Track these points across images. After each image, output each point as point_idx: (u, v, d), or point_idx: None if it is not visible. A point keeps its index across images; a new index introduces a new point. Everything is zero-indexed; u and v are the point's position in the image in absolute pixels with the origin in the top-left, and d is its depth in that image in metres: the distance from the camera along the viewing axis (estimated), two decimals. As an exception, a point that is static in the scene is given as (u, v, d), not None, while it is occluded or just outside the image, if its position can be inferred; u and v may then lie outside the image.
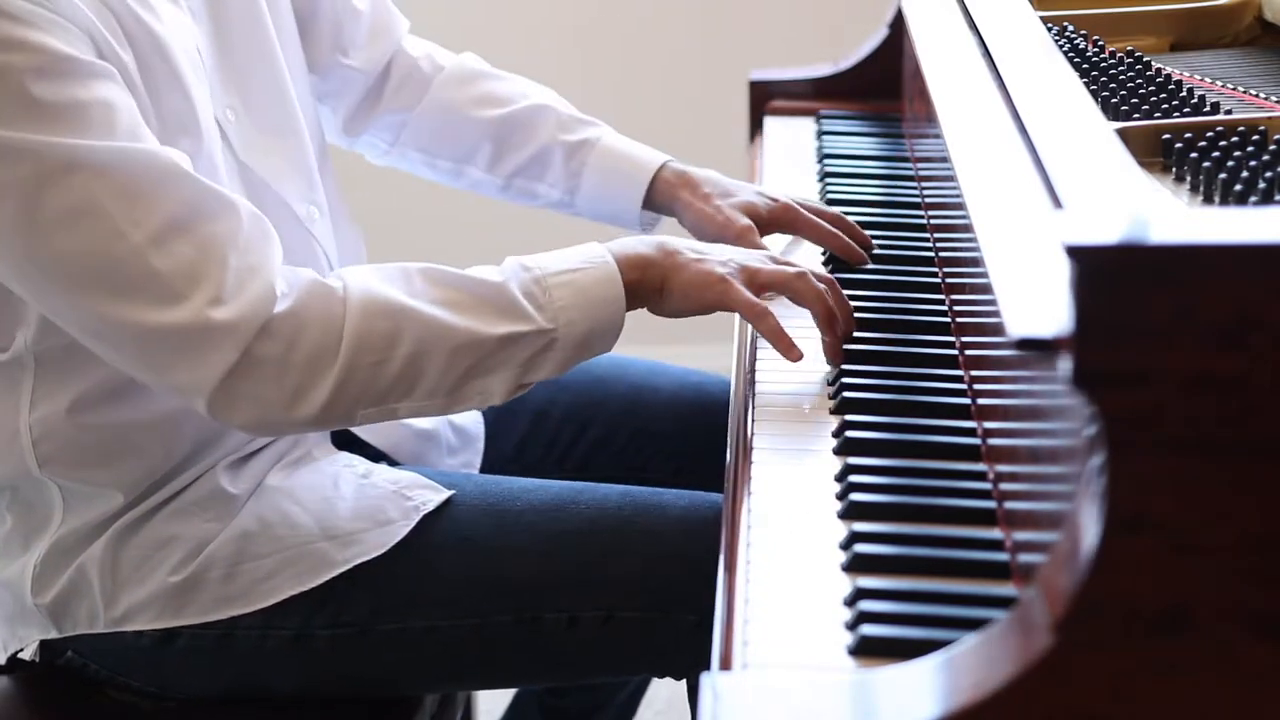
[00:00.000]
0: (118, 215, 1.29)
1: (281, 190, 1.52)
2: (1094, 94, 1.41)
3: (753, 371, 1.46)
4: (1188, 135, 1.28)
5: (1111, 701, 0.89)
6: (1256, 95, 1.46)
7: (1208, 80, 1.54)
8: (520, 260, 1.42)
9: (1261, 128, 1.30)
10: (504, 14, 3.29)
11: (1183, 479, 0.88)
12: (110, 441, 1.45)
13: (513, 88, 1.78)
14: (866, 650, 1.02)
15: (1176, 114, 1.39)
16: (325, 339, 1.35)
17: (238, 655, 1.48)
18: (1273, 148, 1.26)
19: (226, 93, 1.49)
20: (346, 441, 1.63)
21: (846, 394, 1.38)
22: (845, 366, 1.42)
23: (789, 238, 1.72)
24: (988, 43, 1.52)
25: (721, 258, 1.44)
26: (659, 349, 1.85)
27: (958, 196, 1.35)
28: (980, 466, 1.26)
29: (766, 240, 1.67)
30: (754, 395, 1.41)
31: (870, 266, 1.64)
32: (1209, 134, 1.29)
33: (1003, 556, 1.13)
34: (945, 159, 1.45)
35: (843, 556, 1.13)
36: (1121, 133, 1.25)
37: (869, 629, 1.04)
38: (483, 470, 1.74)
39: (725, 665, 1.03)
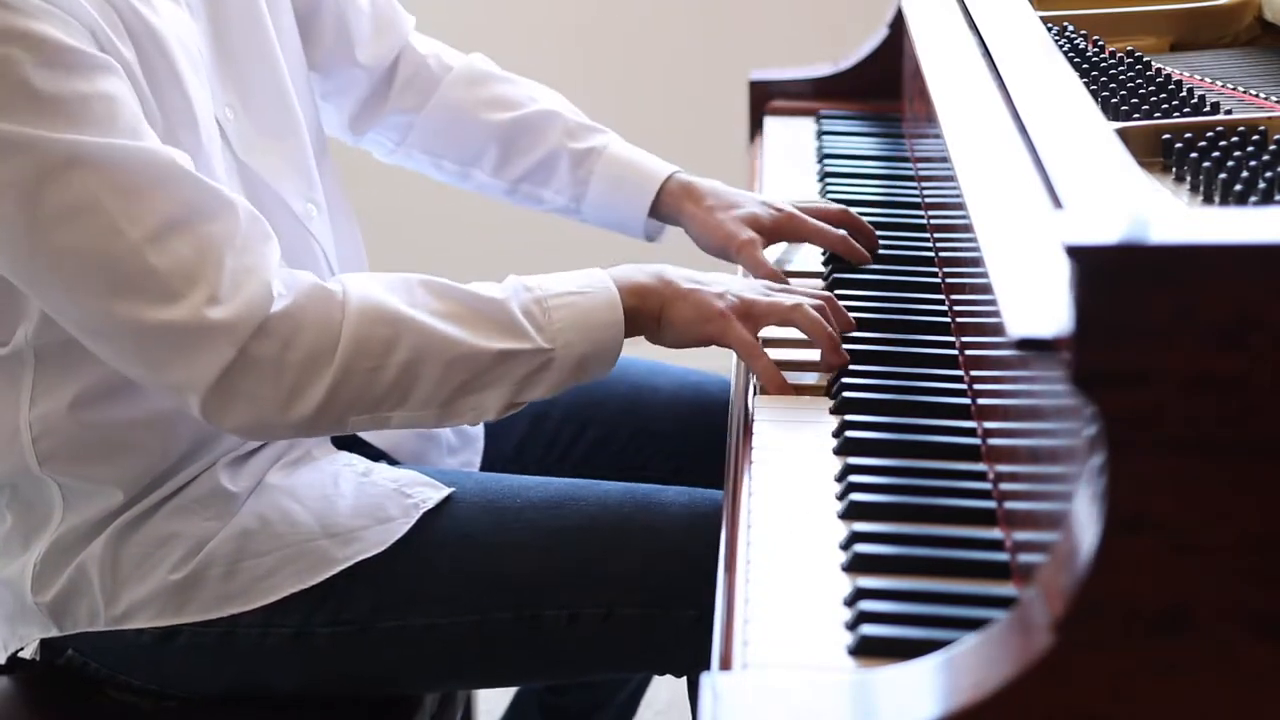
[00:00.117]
0: (116, 212, 1.30)
1: (280, 189, 1.52)
2: (1094, 94, 1.41)
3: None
4: (1188, 135, 1.28)
5: (1111, 701, 0.89)
6: (1256, 95, 1.46)
7: (1208, 80, 1.54)
8: (522, 280, 1.42)
9: (1261, 128, 1.31)
10: (505, 14, 3.29)
11: (1183, 479, 0.88)
12: (110, 439, 1.45)
13: (521, 91, 1.78)
14: (866, 650, 1.02)
15: (1176, 114, 1.39)
16: (322, 341, 1.35)
17: (238, 653, 1.48)
18: (1273, 148, 1.26)
19: (225, 91, 1.49)
20: (346, 441, 1.63)
21: (846, 394, 1.38)
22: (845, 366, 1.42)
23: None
24: (988, 43, 1.52)
25: (719, 290, 1.45)
26: (659, 349, 1.85)
27: (958, 196, 1.35)
28: (980, 466, 1.26)
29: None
30: (754, 395, 1.41)
31: (870, 266, 1.64)
32: (1209, 134, 1.29)
33: (1003, 556, 1.13)
34: (945, 159, 1.45)
35: (843, 556, 1.13)
36: (1121, 133, 1.25)
37: (869, 629, 1.04)
38: (482, 470, 1.74)
39: (725, 665, 1.03)
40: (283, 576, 1.47)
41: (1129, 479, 0.88)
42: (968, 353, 1.41)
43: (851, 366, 1.42)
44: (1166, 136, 1.30)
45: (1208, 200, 1.20)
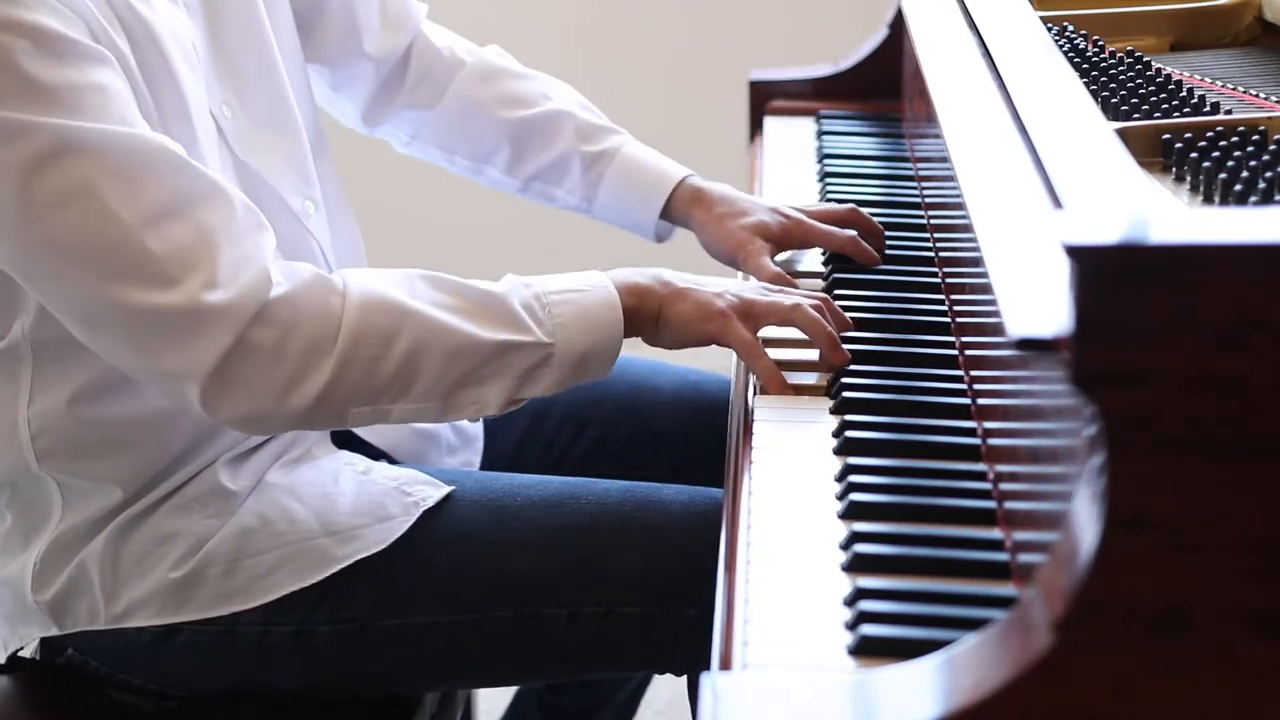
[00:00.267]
0: (111, 198, 1.29)
1: (278, 186, 1.52)
2: (1094, 94, 1.41)
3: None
4: (1188, 135, 1.28)
5: (1111, 701, 0.89)
6: (1256, 95, 1.46)
7: (1208, 80, 1.54)
8: (521, 278, 1.42)
9: (1261, 128, 1.31)
10: (505, 13, 3.29)
11: (1183, 479, 0.88)
12: (108, 436, 1.45)
13: (535, 88, 1.78)
14: (866, 650, 1.02)
15: (1176, 114, 1.39)
16: (322, 329, 1.34)
17: (238, 651, 1.48)
18: (1273, 148, 1.26)
19: (222, 89, 1.49)
20: (346, 440, 1.63)
21: (846, 394, 1.38)
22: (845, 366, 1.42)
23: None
24: (988, 43, 1.52)
25: (717, 289, 1.45)
26: (659, 349, 1.85)
27: (958, 196, 1.35)
28: (980, 466, 1.26)
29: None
30: (754, 395, 1.42)
31: (870, 266, 1.65)
32: (1209, 134, 1.29)
33: (1003, 556, 1.13)
34: (945, 159, 1.45)
35: (843, 556, 1.13)
36: (1121, 133, 1.25)
37: (869, 629, 1.04)
38: (482, 469, 1.74)
39: (725, 665, 1.03)
40: (283, 575, 1.47)
41: (1129, 479, 0.88)
42: (968, 353, 1.41)
43: (851, 366, 1.42)
44: (1166, 136, 1.30)
45: (1208, 200, 1.20)
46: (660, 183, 1.74)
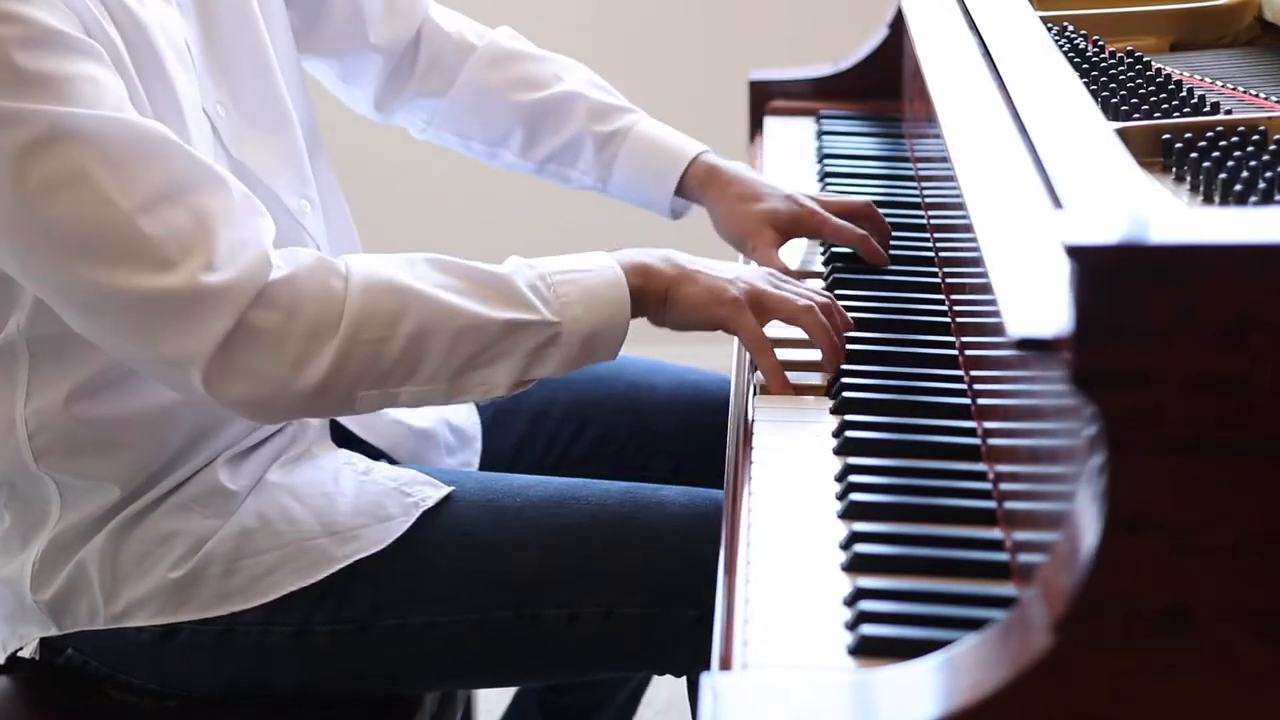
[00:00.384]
0: (105, 183, 1.29)
1: (273, 184, 1.52)
2: (1094, 94, 1.41)
3: (753, 370, 1.46)
4: (1188, 135, 1.28)
5: (1111, 701, 0.89)
6: (1256, 95, 1.46)
7: (1208, 80, 1.54)
8: (525, 260, 1.42)
9: (1261, 128, 1.30)
10: (505, 13, 3.28)
11: (1183, 479, 0.88)
12: (106, 434, 1.44)
13: (547, 69, 1.78)
14: (866, 650, 1.02)
15: (1176, 114, 1.39)
16: (325, 311, 1.34)
17: (238, 651, 1.48)
18: (1273, 148, 1.26)
19: (216, 88, 1.49)
20: (346, 440, 1.63)
21: (846, 394, 1.38)
22: (845, 366, 1.42)
23: None
24: (988, 43, 1.52)
25: (730, 275, 1.44)
26: (658, 348, 1.85)
27: (958, 196, 1.35)
28: (980, 466, 1.26)
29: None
30: (754, 394, 1.41)
31: (871, 266, 1.64)
32: (1209, 134, 1.29)
33: (1003, 556, 1.13)
34: (945, 159, 1.45)
35: (843, 556, 1.13)
36: (1121, 133, 1.25)
37: (869, 629, 1.04)
38: (482, 469, 1.74)
39: (725, 665, 1.03)
40: (282, 575, 1.47)
41: (1129, 479, 0.88)
42: (968, 353, 1.41)
43: (852, 366, 1.42)
44: (1166, 136, 1.30)
45: (1208, 200, 1.20)
46: (674, 160, 1.74)
